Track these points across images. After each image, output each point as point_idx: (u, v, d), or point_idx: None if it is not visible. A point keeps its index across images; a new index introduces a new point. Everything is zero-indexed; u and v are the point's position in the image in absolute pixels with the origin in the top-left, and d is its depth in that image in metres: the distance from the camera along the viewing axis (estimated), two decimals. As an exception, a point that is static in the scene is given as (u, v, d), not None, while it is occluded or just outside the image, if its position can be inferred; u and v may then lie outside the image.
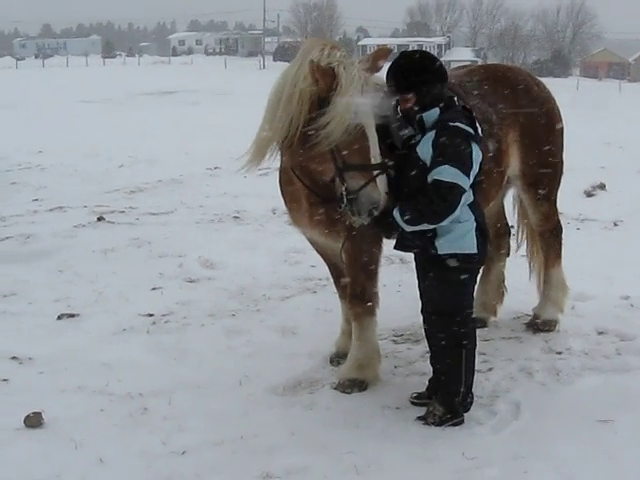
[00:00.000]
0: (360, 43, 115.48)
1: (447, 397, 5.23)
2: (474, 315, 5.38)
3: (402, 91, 4.99)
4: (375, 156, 4.91)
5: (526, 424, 5.24)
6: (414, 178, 4.96)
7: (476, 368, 5.38)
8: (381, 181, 4.91)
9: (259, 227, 10.74)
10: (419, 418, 5.29)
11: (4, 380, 5.90)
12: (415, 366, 5.82)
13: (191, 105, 33.66)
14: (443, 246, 4.98)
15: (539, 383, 5.88)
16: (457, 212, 4.89)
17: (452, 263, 5.01)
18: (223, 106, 32.55)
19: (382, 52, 5.14)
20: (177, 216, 11.47)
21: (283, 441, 5.01)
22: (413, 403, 5.52)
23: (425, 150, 4.92)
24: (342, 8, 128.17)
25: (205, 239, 9.92)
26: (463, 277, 5.13)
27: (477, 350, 5.36)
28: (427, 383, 5.53)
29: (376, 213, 4.90)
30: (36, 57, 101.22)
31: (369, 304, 5.74)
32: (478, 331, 6.54)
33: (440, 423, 5.20)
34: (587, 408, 5.41)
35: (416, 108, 4.99)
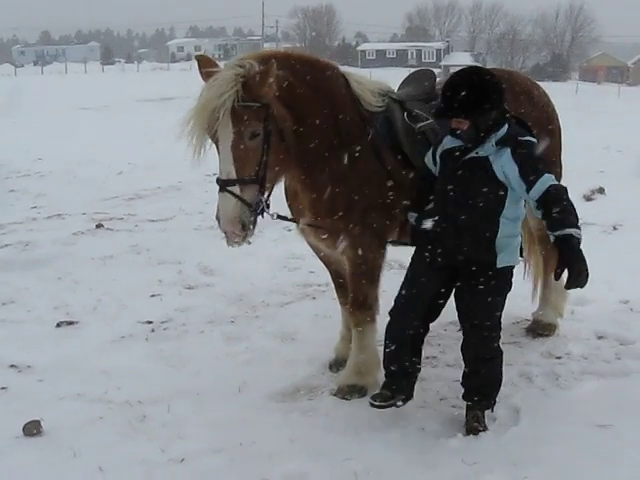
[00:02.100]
0: (359, 48, 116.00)
1: (490, 400, 5.27)
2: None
3: (458, 115, 4.81)
4: (223, 171, 4.75)
5: (526, 429, 5.21)
6: (485, 192, 4.85)
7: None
8: (224, 201, 4.80)
9: (258, 233, 10.58)
10: (468, 432, 5.15)
11: (3, 388, 5.89)
12: (414, 372, 5.77)
13: (190, 111, 33.63)
14: (503, 260, 4.97)
15: (539, 388, 5.87)
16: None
17: (508, 275, 5.08)
18: (222, 112, 32.50)
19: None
20: (176, 223, 11.48)
21: (282, 448, 4.99)
22: (374, 405, 5.17)
23: (506, 166, 4.79)
24: (341, 13, 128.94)
25: (204, 245, 9.87)
26: (509, 287, 5.17)
27: None
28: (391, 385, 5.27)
29: (218, 226, 4.88)
30: (35, 64, 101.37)
31: (370, 311, 5.74)
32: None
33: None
34: (587, 413, 5.39)
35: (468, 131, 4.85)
